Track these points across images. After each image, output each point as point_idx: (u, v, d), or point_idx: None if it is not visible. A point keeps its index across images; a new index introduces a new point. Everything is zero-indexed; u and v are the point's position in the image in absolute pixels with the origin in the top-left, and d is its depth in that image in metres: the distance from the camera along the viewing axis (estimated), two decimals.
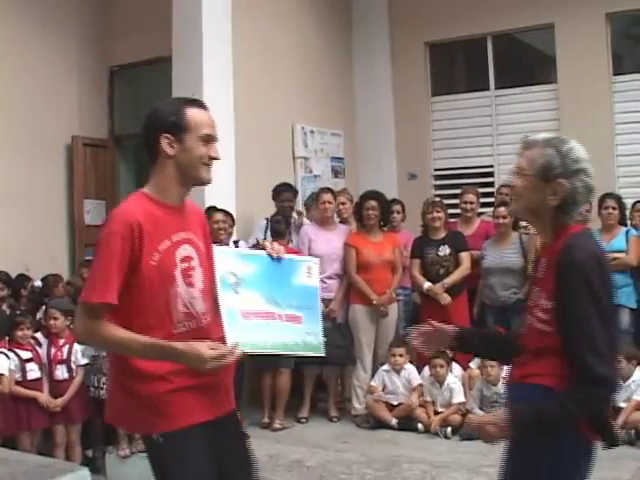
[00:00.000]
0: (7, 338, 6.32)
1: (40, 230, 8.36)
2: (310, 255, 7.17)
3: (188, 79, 7.52)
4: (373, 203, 7.37)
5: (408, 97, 10.11)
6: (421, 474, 5.67)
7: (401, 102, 10.15)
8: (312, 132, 9.29)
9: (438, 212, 7.36)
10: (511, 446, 2.78)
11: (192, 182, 3.04)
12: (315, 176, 9.31)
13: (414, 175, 10.05)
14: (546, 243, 2.84)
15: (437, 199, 7.88)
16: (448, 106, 10.12)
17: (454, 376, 6.82)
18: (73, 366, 6.41)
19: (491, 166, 9.72)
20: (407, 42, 10.10)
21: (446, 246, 7.30)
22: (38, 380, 6.31)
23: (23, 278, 7.44)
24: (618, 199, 7.50)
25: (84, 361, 6.47)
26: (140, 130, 3.04)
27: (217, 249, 2.99)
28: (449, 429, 6.48)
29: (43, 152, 8.61)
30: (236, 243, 7.40)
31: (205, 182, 3.05)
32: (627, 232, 7.32)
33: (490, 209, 7.95)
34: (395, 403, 6.94)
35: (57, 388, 6.35)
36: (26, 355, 6.31)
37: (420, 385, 6.85)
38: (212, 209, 6.93)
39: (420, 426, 6.72)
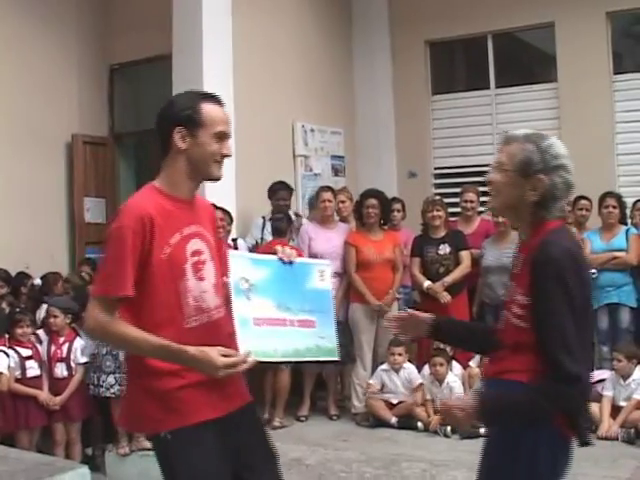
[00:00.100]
0: (7, 336, 6.33)
1: (40, 228, 8.35)
2: (310, 254, 7.19)
3: (188, 77, 7.51)
4: (373, 201, 7.37)
5: (408, 95, 10.11)
6: (421, 472, 5.67)
7: (401, 100, 10.15)
8: (312, 130, 9.29)
9: (438, 211, 7.36)
10: (489, 441, 2.80)
11: (202, 177, 3.02)
12: (315, 174, 9.31)
13: (414, 173, 10.06)
14: (524, 239, 2.84)
15: (437, 198, 7.88)
16: (448, 104, 10.12)
17: (454, 375, 6.82)
18: (72, 364, 6.41)
19: (490, 165, 9.70)
20: (407, 40, 10.10)
21: (446, 245, 7.30)
22: (38, 378, 6.32)
23: (23, 276, 7.44)
24: (618, 198, 7.50)
25: (84, 359, 6.46)
26: (155, 121, 3.02)
27: (231, 253, 2.96)
28: (449, 428, 6.47)
29: (43, 150, 8.60)
30: (235, 241, 7.40)
31: (215, 178, 3.03)
32: (627, 231, 7.32)
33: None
34: (395, 402, 6.94)
35: (56, 386, 6.35)
36: (26, 353, 6.31)
37: (421, 384, 6.85)
38: None
39: (420, 425, 6.72)
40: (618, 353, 6.50)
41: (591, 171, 8.78)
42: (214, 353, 2.71)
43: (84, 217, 8.98)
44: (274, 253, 3.05)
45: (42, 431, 6.40)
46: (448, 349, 6.70)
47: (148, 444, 6.40)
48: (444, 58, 10.66)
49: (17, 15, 8.36)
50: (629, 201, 7.78)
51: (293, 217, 7.91)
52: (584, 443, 2.74)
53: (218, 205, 7.09)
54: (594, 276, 7.18)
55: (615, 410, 6.38)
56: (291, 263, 3.03)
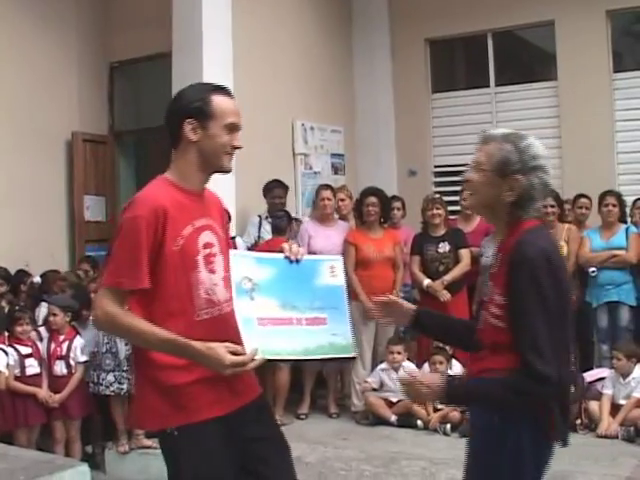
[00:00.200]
0: (7, 334, 6.33)
1: (40, 226, 8.35)
2: (309, 252, 7.18)
3: (188, 75, 7.50)
4: (373, 199, 7.37)
5: (408, 93, 10.11)
6: (420, 471, 5.68)
7: (401, 98, 10.15)
8: (312, 128, 9.29)
9: (438, 209, 7.35)
10: (472, 440, 2.81)
11: (213, 170, 3.02)
12: (315, 173, 9.31)
13: (414, 172, 10.06)
14: (502, 238, 2.84)
15: (437, 196, 7.87)
16: (448, 103, 10.13)
17: (453, 373, 6.82)
18: (72, 362, 6.40)
19: None
20: (407, 38, 10.11)
21: (446, 243, 7.30)
22: (37, 376, 6.32)
23: (23, 274, 7.44)
24: (618, 196, 7.50)
25: (83, 358, 6.46)
26: (165, 114, 3.03)
27: (233, 252, 2.93)
28: (448, 426, 6.48)
29: (43, 148, 8.60)
30: (233, 239, 7.39)
31: (226, 170, 3.02)
32: (627, 229, 7.32)
33: None
34: (394, 400, 6.94)
35: (56, 384, 6.34)
36: (25, 351, 6.31)
37: None
38: None
39: (419, 423, 6.72)
40: (618, 352, 6.51)
41: (591, 169, 8.82)
42: (222, 350, 2.69)
43: (84, 215, 8.98)
44: (281, 251, 3.02)
45: (42, 429, 6.39)
46: (448, 347, 6.70)
47: (148, 442, 6.43)
48: (444, 56, 10.66)
49: (18, 13, 8.36)
50: (629, 199, 7.77)
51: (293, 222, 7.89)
52: (563, 444, 2.75)
53: None
54: (594, 274, 7.20)
55: (615, 408, 6.39)
56: (298, 261, 2.97)
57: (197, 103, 2.92)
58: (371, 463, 5.92)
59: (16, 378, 6.22)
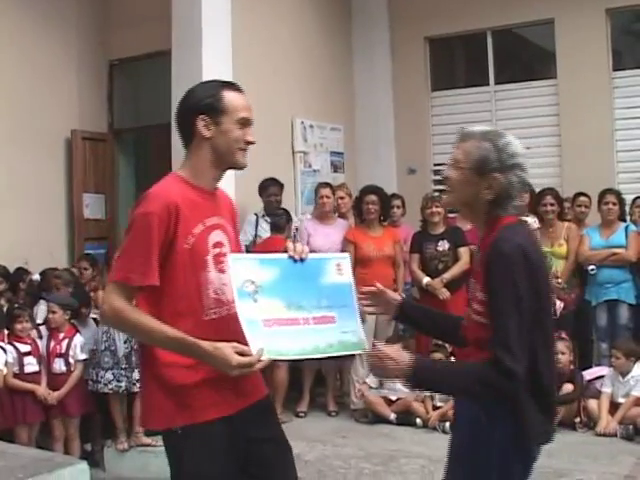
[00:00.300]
0: (7, 332, 6.33)
1: (39, 224, 8.35)
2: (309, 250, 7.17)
3: (187, 73, 7.50)
4: (373, 197, 7.38)
5: (408, 92, 10.11)
6: (419, 469, 5.68)
7: (401, 97, 10.15)
8: (312, 127, 9.28)
9: (437, 207, 7.34)
10: (458, 432, 2.84)
11: (227, 166, 3.01)
12: (314, 171, 9.31)
13: (413, 170, 10.06)
14: (481, 236, 2.83)
15: (436, 194, 7.85)
16: (448, 101, 10.13)
17: None
18: (71, 360, 6.41)
19: None
20: (407, 37, 10.10)
21: (445, 241, 7.30)
22: (36, 374, 6.32)
23: (22, 272, 7.44)
24: (618, 195, 7.50)
25: (83, 356, 6.47)
26: (176, 112, 3.01)
27: (234, 256, 2.87)
28: (447, 424, 6.47)
29: (42, 146, 8.59)
30: None
31: (240, 166, 3.01)
32: (627, 228, 7.32)
33: None
34: (393, 398, 6.95)
35: (55, 381, 6.35)
36: (25, 349, 6.31)
37: None
38: None
39: (418, 421, 6.73)
40: (617, 350, 6.51)
41: (590, 168, 8.82)
42: (229, 350, 2.66)
43: (83, 213, 8.97)
44: (285, 251, 2.99)
45: (41, 427, 6.40)
46: (447, 345, 6.70)
47: (147, 440, 6.44)
48: (443, 54, 10.66)
49: (18, 10, 8.35)
50: (628, 198, 7.77)
51: (293, 229, 7.85)
52: (545, 442, 2.75)
53: None
54: (593, 272, 7.21)
55: (614, 407, 6.39)
56: (302, 260, 2.92)
57: (209, 99, 2.91)
58: (370, 461, 5.92)
59: (15, 376, 6.23)
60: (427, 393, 6.73)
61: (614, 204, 7.36)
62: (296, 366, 7.24)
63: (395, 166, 10.12)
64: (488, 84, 9.89)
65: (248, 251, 6.57)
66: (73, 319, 6.63)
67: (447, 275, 7.18)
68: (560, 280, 7.19)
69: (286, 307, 2.81)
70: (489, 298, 2.62)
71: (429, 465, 5.68)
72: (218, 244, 2.94)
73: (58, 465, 4.81)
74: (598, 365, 7.16)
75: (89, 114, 9.26)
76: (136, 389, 6.38)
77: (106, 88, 9.60)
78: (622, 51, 9.56)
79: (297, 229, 7.80)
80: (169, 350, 2.79)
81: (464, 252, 7.29)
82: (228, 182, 7.81)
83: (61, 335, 6.45)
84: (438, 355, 6.69)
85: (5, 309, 6.62)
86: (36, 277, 7.42)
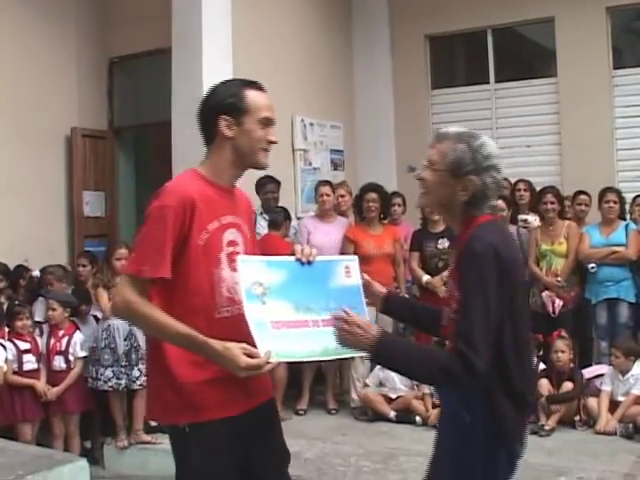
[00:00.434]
0: (7, 329, 6.33)
1: (39, 221, 8.34)
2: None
3: (188, 70, 7.51)
4: (373, 195, 7.38)
5: (408, 90, 10.11)
6: (419, 466, 5.64)
7: (401, 95, 10.15)
8: (312, 124, 9.28)
9: None
10: (442, 428, 2.85)
11: (248, 166, 3.00)
12: (314, 169, 9.30)
13: (413, 168, 10.01)
14: (457, 235, 2.84)
15: None
16: (448, 99, 10.13)
17: None
18: (71, 357, 6.41)
19: None
20: (407, 34, 10.10)
21: (445, 239, 7.30)
22: (34, 371, 6.32)
23: (22, 269, 7.43)
24: (618, 193, 7.50)
25: (83, 353, 6.47)
26: (198, 111, 3.01)
27: (242, 258, 2.85)
28: None
29: (42, 143, 8.58)
30: None
31: (262, 166, 3.01)
32: (627, 226, 7.32)
33: None
34: (393, 396, 6.95)
35: (54, 378, 6.35)
36: (24, 346, 6.31)
37: None
38: None
39: (418, 419, 6.73)
40: (616, 350, 6.52)
41: (590, 166, 8.82)
42: (237, 352, 2.64)
43: (83, 210, 8.97)
44: (292, 253, 2.99)
45: (41, 424, 6.40)
46: (447, 342, 6.69)
47: (147, 438, 6.45)
48: (444, 52, 10.66)
49: (19, 7, 8.34)
50: (628, 196, 7.77)
51: (292, 229, 7.84)
52: (522, 442, 2.77)
53: None
54: (593, 270, 7.21)
55: (613, 405, 6.40)
56: (310, 263, 2.89)
57: (231, 99, 2.90)
58: (370, 459, 5.92)
59: (14, 373, 6.23)
60: (426, 391, 6.75)
61: (615, 202, 7.36)
62: (296, 364, 7.23)
63: (395, 164, 10.12)
64: (488, 82, 9.90)
65: None
66: (73, 316, 6.62)
67: (447, 273, 7.18)
68: (559, 278, 7.20)
69: (294, 309, 2.79)
70: (460, 294, 2.63)
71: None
72: (232, 242, 2.93)
73: (58, 462, 4.80)
74: (598, 363, 7.16)
75: (89, 112, 9.25)
76: (136, 387, 6.39)
77: (106, 86, 9.58)
78: (622, 49, 9.56)
79: (296, 231, 7.79)
80: (178, 346, 2.78)
81: None
82: None
83: (61, 332, 6.45)
84: None
85: (5, 306, 6.62)
86: (36, 274, 7.41)
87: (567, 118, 9.21)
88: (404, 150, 10.08)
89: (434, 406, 6.67)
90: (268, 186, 7.88)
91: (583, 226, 7.56)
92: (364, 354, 2.70)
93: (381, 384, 7.03)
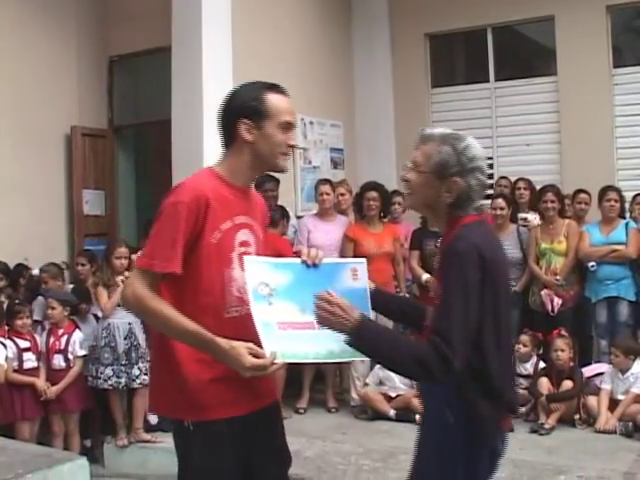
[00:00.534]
0: (7, 328, 6.33)
1: (39, 220, 8.33)
2: (308, 246, 7.18)
3: (187, 69, 7.51)
4: (374, 194, 7.38)
5: (408, 88, 10.10)
6: None
7: (401, 93, 10.14)
8: (311, 123, 9.27)
9: None
10: (425, 426, 2.86)
11: (267, 169, 3.02)
12: (314, 167, 9.30)
13: None
14: (442, 236, 2.85)
15: None
16: (448, 98, 10.12)
17: None
18: (70, 356, 6.41)
19: (490, 158, 9.67)
20: (407, 33, 10.10)
21: None
22: (34, 370, 6.32)
23: (22, 268, 7.44)
24: (619, 192, 7.50)
25: (82, 352, 6.47)
26: (218, 113, 2.99)
27: (249, 259, 2.85)
28: None
29: (42, 142, 8.57)
30: None
31: (281, 170, 3.01)
32: (627, 224, 7.32)
33: (489, 201, 7.94)
34: (393, 395, 6.95)
35: (54, 377, 6.35)
36: (24, 344, 6.32)
37: None
38: None
39: (418, 417, 6.67)
40: (616, 349, 6.52)
41: (590, 165, 8.82)
42: (243, 351, 2.64)
43: (83, 209, 8.96)
44: (296, 253, 2.99)
45: (40, 423, 6.40)
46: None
47: (147, 436, 6.45)
48: (444, 51, 10.65)
49: (18, 5, 8.33)
50: (628, 195, 7.77)
51: (292, 230, 7.82)
52: (503, 441, 2.78)
53: None
54: (593, 269, 7.20)
55: (613, 403, 6.40)
56: (316, 265, 2.89)
57: (252, 103, 2.90)
58: (370, 457, 5.92)
59: (14, 371, 6.23)
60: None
61: (616, 201, 7.36)
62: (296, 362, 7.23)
63: (395, 162, 10.10)
64: (488, 81, 9.89)
65: None
66: (72, 315, 6.63)
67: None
68: (558, 277, 7.20)
69: (300, 311, 2.79)
70: (441, 293, 2.63)
71: None
72: (244, 243, 2.93)
73: (58, 461, 4.80)
74: (598, 362, 7.17)
75: (89, 110, 9.24)
76: (136, 385, 6.39)
77: (106, 84, 9.57)
78: (622, 48, 9.55)
79: (296, 230, 7.79)
80: (185, 343, 2.78)
81: None
82: None
83: (60, 331, 6.45)
84: None
85: (5, 305, 6.62)
86: (36, 272, 7.41)
87: (567, 117, 9.21)
88: (404, 149, 10.06)
89: None
90: (267, 184, 7.87)
91: (583, 225, 7.56)
92: (343, 336, 2.68)
93: (381, 383, 7.04)
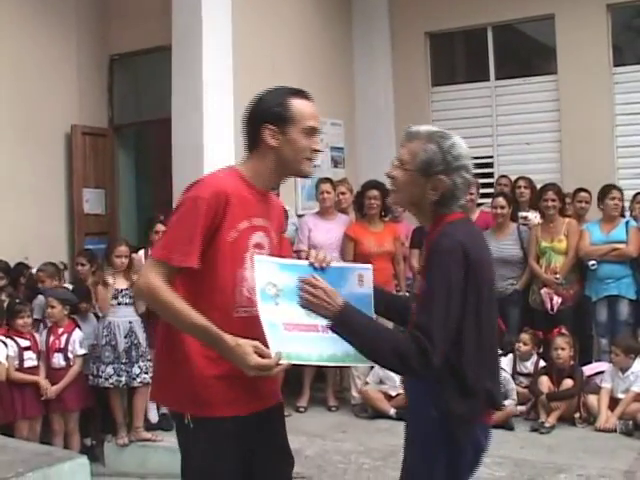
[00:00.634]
0: (7, 327, 6.33)
1: (39, 219, 8.33)
2: (309, 245, 7.18)
3: (188, 68, 7.50)
4: (375, 193, 7.37)
5: (408, 87, 10.10)
6: None
7: (401, 92, 10.14)
8: None
9: None
10: (411, 426, 2.85)
11: (291, 174, 3.02)
12: (315, 166, 9.23)
13: None
14: (428, 233, 2.86)
15: None
16: (448, 96, 10.12)
17: None
18: (70, 355, 6.41)
19: (490, 157, 9.71)
20: (407, 32, 10.09)
21: None
22: (35, 368, 6.32)
23: (22, 267, 7.44)
24: (621, 191, 7.50)
25: (82, 351, 6.47)
26: (242, 118, 3.00)
27: (258, 258, 2.84)
28: None
29: (42, 141, 8.57)
30: None
31: (305, 174, 3.03)
32: (627, 223, 7.32)
33: (490, 200, 7.95)
34: (393, 393, 6.95)
35: (53, 376, 6.35)
36: (24, 343, 6.32)
37: None
38: None
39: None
40: (616, 348, 6.52)
41: (591, 163, 8.82)
42: (249, 349, 2.64)
43: (83, 208, 8.96)
44: (298, 255, 2.99)
45: (41, 421, 6.40)
46: None
47: (147, 435, 6.46)
48: (444, 50, 10.65)
49: (17, 4, 8.33)
50: (628, 193, 7.77)
51: (292, 228, 7.82)
52: (486, 437, 2.80)
53: None
54: (593, 267, 7.20)
55: (613, 402, 6.40)
56: (323, 269, 2.86)
57: (276, 108, 2.90)
58: (370, 456, 5.93)
59: (15, 370, 6.23)
60: None
61: (620, 200, 7.37)
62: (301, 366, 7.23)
63: None
64: (488, 79, 9.89)
65: None
66: (73, 314, 6.63)
67: None
68: (558, 276, 7.20)
69: (305, 313, 2.78)
70: (425, 289, 2.64)
71: None
72: (258, 245, 2.93)
73: (58, 459, 4.81)
74: (598, 361, 7.17)
75: (89, 109, 9.24)
76: (136, 384, 6.40)
77: (106, 83, 9.57)
78: (623, 47, 9.55)
79: (297, 228, 7.79)
80: (192, 336, 2.78)
81: None
82: None
83: (60, 330, 6.45)
84: None
85: (6, 304, 6.62)
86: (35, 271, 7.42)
87: (567, 115, 9.21)
88: None
89: None
90: None
91: (583, 223, 7.56)
92: (325, 321, 2.70)
93: (381, 381, 7.04)
